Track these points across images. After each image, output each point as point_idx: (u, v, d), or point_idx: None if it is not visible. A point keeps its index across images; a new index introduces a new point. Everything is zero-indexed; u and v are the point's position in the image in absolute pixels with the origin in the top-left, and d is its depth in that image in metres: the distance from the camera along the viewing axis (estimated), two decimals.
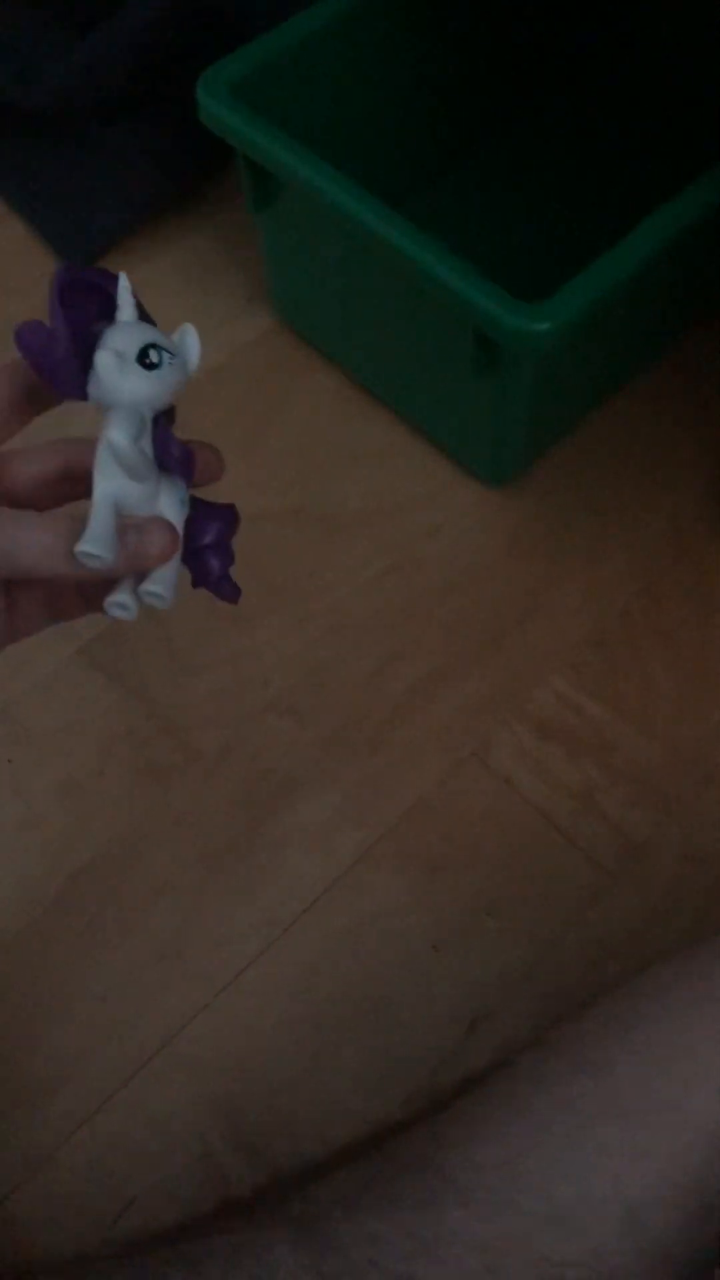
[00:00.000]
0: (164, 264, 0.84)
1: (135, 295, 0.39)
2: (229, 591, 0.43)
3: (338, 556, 0.73)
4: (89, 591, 0.43)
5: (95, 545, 0.37)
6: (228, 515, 0.43)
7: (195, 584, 0.43)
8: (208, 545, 0.42)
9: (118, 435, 0.37)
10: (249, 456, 0.76)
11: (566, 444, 0.77)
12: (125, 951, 0.61)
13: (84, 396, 0.39)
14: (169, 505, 0.40)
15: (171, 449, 0.39)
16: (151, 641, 0.70)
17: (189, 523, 0.41)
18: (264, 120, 0.63)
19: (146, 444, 0.39)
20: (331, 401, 0.78)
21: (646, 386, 0.79)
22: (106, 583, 0.40)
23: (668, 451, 0.77)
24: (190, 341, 0.40)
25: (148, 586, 0.40)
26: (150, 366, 0.38)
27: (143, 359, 0.38)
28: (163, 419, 0.40)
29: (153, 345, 0.38)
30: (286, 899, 0.63)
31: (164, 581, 0.40)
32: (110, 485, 0.38)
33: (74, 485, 0.42)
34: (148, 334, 0.38)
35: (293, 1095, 0.58)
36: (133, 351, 0.38)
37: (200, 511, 0.42)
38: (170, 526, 0.39)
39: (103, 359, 0.37)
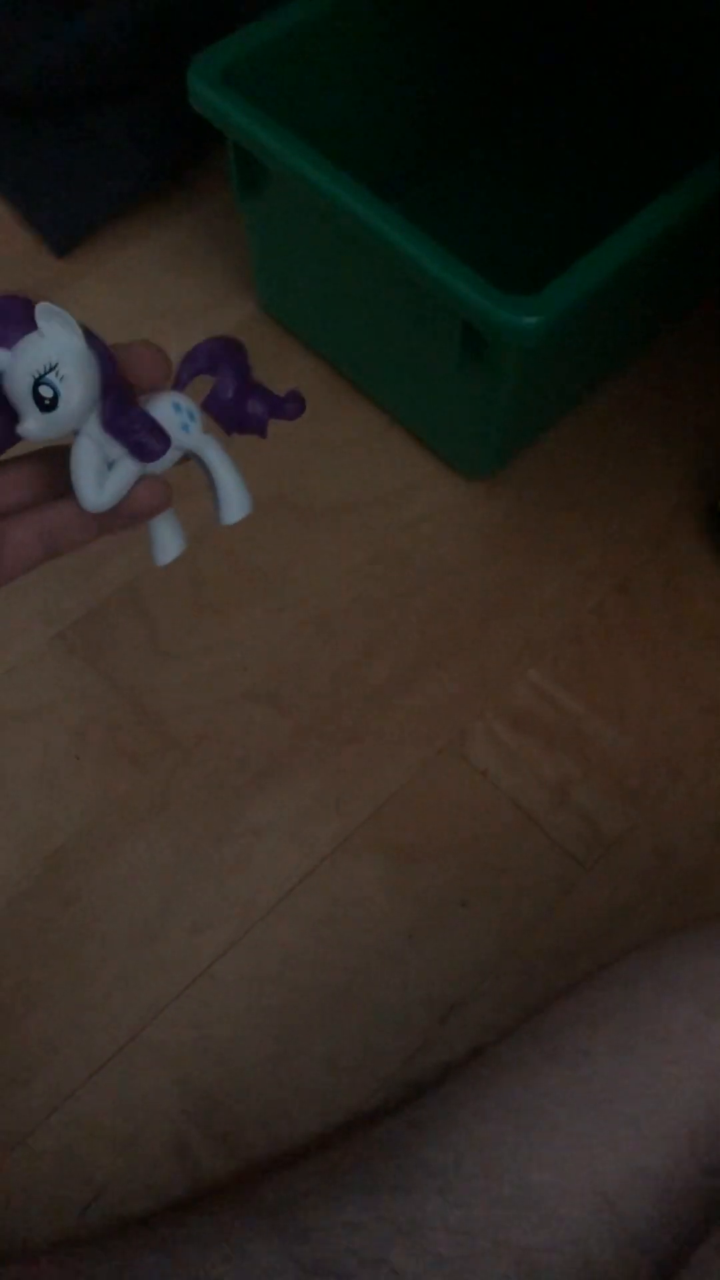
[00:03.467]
0: (146, 250, 0.84)
1: None
2: (290, 413, 0.41)
3: (317, 547, 0.73)
4: (108, 518, 0.40)
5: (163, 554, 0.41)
6: (226, 358, 0.39)
7: (262, 434, 0.41)
8: (233, 399, 0.39)
9: (86, 499, 0.38)
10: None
11: (547, 439, 0.77)
12: (99, 938, 0.61)
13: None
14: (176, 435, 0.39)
15: (134, 436, 0.38)
16: (130, 628, 0.70)
17: (212, 399, 0.39)
18: (255, 106, 0.62)
19: (110, 448, 0.38)
20: (313, 392, 0.78)
21: (626, 384, 0.80)
22: (125, 512, 0.40)
23: (646, 449, 0.77)
24: (54, 326, 0.36)
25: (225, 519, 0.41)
26: (51, 404, 0.36)
27: (40, 404, 0.36)
28: (107, 411, 0.37)
29: (37, 384, 0.36)
30: (262, 887, 0.63)
31: (236, 500, 0.41)
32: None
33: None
34: (20, 379, 0.36)
35: (266, 1082, 0.58)
36: (30, 405, 0.36)
37: (218, 383, 0.40)
38: (154, 482, 0.39)
39: (25, 430, 0.37)
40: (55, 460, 0.40)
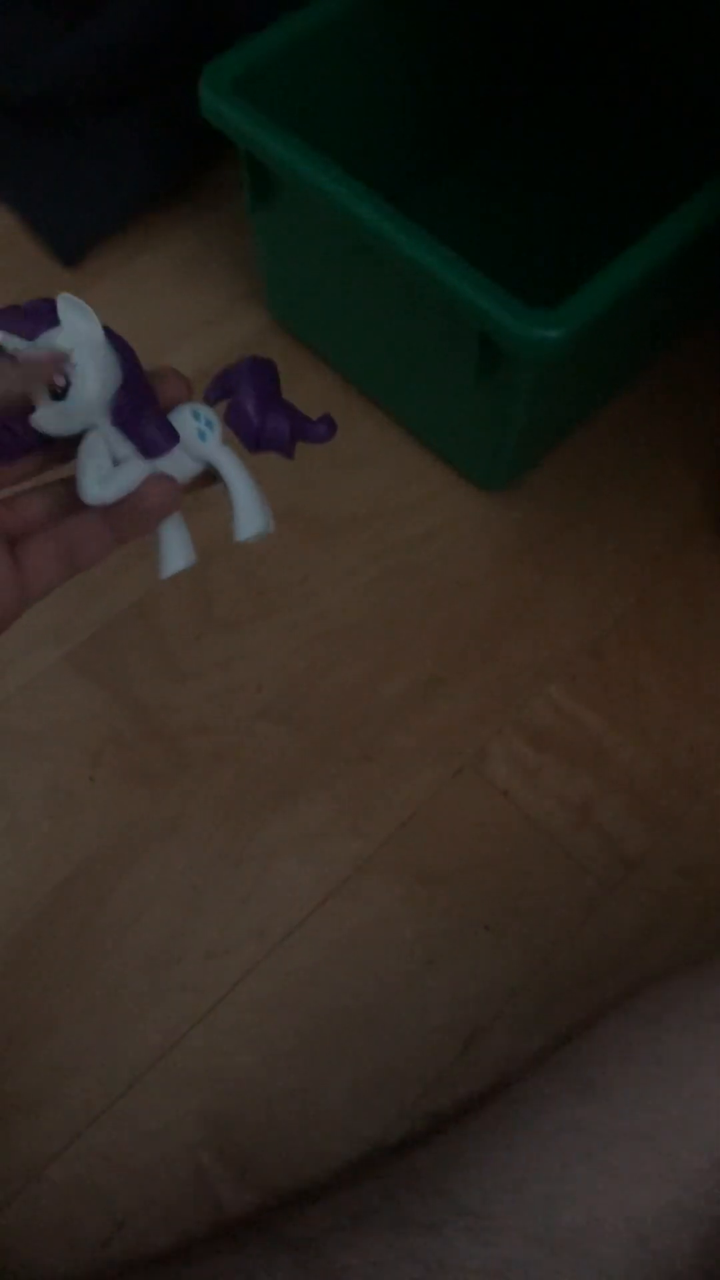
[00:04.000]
0: (155, 260, 0.83)
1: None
2: (317, 435, 0.40)
3: (331, 561, 0.72)
4: (120, 523, 0.39)
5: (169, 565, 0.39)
6: (250, 374, 0.38)
7: (287, 454, 0.40)
8: (253, 412, 0.38)
9: (86, 490, 0.37)
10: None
11: (562, 451, 0.76)
12: (115, 963, 0.60)
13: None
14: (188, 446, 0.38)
15: (142, 431, 0.37)
16: (141, 646, 0.69)
17: (232, 410, 0.39)
18: (266, 116, 0.61)
19: (120, 446, 0.37)
20: (325, 403, 0.76)
21: (641, 395, 0.79)
22: (133, 511, 0.39)
23: (662, 460, 0.76)
24: (72, 317, 0.36)
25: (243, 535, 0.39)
26: (62, 393, 0.36)
27: (53, 392, 0.36)
28: (126, 407, 0.37)
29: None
30: (280, 910, 0.62)
31: (250, 516, 0.40)
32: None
33: None
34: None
35: (286, 1111, 0.57)
36: (42, 394, 0.36)
37: (238, 396, 0.39)
38: (165, 480, 0.38)
39: (36, 419, 0.36)
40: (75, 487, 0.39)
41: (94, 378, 0.36)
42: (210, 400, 0.39)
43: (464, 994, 0.60)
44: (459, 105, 0.81)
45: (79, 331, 0.36)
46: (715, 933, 0.62)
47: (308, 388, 0.78)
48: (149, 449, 0.37)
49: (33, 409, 0.37)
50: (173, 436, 0.37)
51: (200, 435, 0.38)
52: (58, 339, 0.36)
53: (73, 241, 0.80)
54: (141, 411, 0.37)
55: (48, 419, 0.36)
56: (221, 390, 0.39)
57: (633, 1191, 0.44)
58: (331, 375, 0.78)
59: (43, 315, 0.36)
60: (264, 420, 0.39)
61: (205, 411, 0.38)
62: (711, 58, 0.82)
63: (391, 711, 0.67)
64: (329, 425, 0.40)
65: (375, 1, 0.69)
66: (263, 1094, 0.57)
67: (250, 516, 0.39)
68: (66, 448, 0.38)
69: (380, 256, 0.60)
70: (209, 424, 0.38)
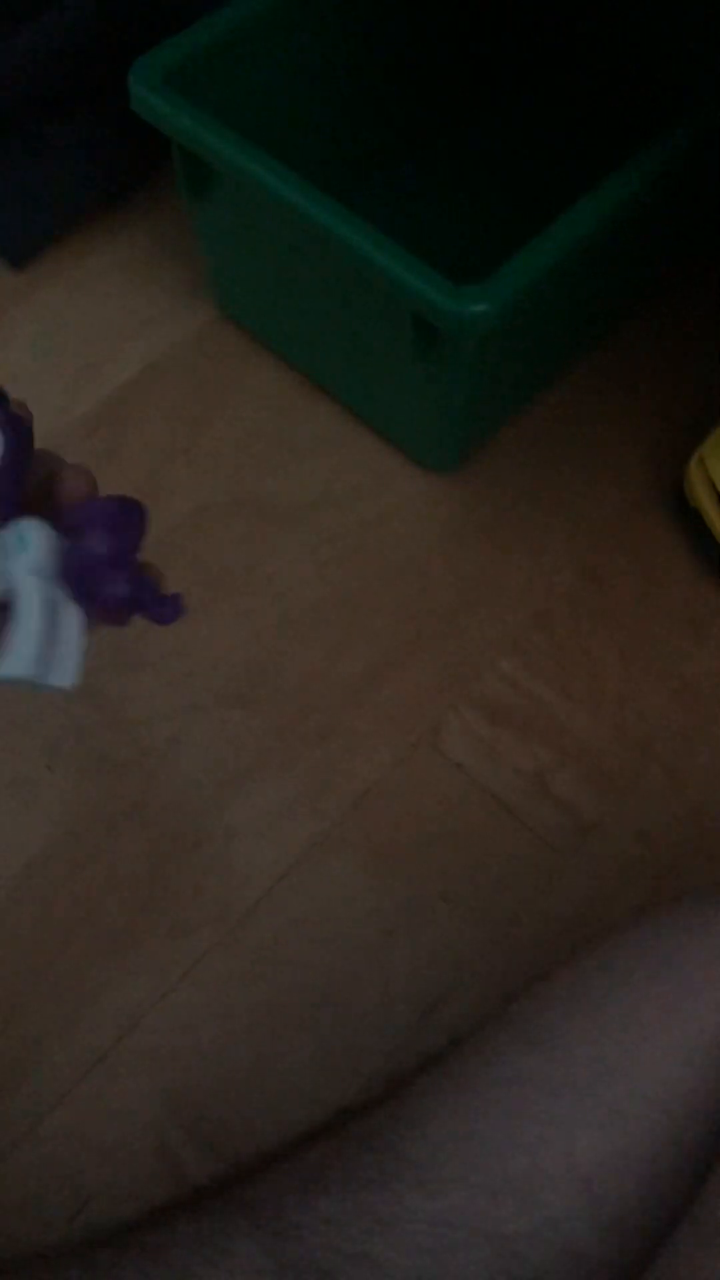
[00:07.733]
0: (101, 262, 0.84)
1: None
2: (164, 616, 0.35)
3: (282, 547, 0.73)
4: None
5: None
6: (112, 515, 0.34)
7: (118, 620, 0.35)
8: (100, 563, 0.34)
9: None
10: (191, 450, 0.76)
11: (508, 431, 0.77)
12: (78, 946, 0.61)
13: None
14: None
15: None
16: (97, 635, 0.69)
17: (70, 552, 0.34)
18: (196, 107, 0.63)
19: None
20: (273, 393, 0.78)
21: (587, 373, 0.80)
22: None
23: (608, 436, 0.77)
24: None
25: (49, 680, 0.35)
26: None
27: None
28: None
29: None
30: (240, 889, 0.62)
31: (64, 665, 0.35)
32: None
33: None
34: None
35: (250, 1084, 0.58)
36: None
37: (85, 528, 0.34)
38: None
39: None
40: None
41: None
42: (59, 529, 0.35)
43: (423, 964, 0.61)
44: (404, 96, 0.82)
45: None
46: (671, 895, 0.63)
47: (257, 378, 0.79)
48: None
49: None
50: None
51: (19, 547, 0.34)
52: None
53: (22, 243, 0.81)
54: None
55: None
56: (70, 523, 0.35)
57: (578, 1140, 0.45)
58: (280, 364, 0.79)
59: None
60: (106, 574, 0.34)
61: (29, 531, 0.34)
62: (644, 36, 0.83)
63: (347, 691, 0.68)
64: (176, 607, 0.36)
65: None
66: (226, 1069, 0.58)
67: (18, 658, 0.34)
68: None
69: (314, 242, 0.61)
70: (21, 541, 0.34)
